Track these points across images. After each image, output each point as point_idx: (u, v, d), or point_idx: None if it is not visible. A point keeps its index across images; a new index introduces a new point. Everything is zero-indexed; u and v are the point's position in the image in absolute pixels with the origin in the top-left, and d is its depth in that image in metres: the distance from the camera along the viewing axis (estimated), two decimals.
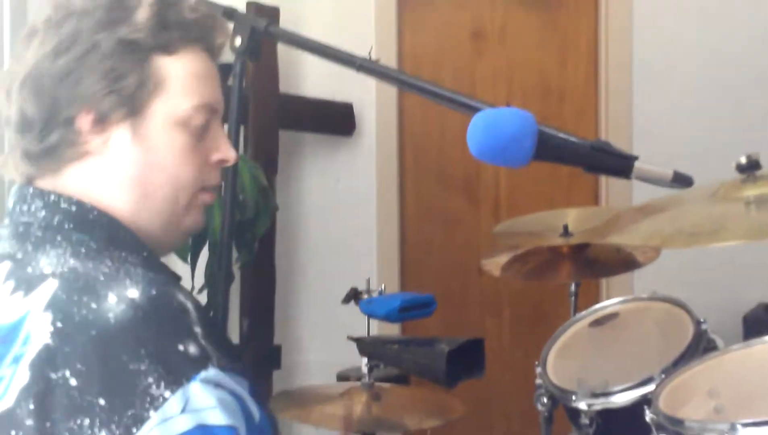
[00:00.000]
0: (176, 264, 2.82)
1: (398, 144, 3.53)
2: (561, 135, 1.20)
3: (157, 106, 1.00)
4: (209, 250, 2.82)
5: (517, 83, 3.56)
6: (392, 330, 3.24)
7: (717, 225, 1.50)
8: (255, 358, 3.21)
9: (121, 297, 0.90)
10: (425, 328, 3.04)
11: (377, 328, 2.84)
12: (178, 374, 0.86)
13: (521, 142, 1.14)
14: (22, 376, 0.88)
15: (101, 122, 0.99)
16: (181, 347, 0.88)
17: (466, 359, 1.74)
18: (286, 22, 3.19)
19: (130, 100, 0.99)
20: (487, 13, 3.56)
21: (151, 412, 0.84)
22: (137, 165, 1.00)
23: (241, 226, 2.95)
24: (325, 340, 3.43)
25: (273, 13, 3.14)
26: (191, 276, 2.79)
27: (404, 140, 3.55)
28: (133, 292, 0.90)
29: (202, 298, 2.78)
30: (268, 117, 3.16)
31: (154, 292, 0.91)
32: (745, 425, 1.24)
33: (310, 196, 3.50)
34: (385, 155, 3.51)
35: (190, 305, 0.94)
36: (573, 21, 3.54)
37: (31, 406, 0.86)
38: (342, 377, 2.78)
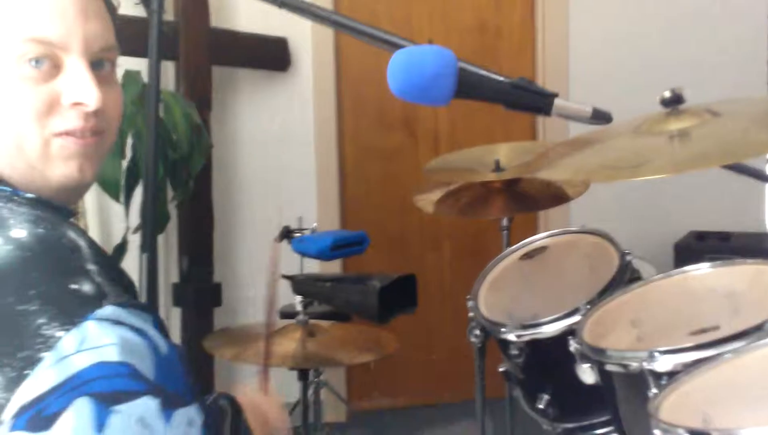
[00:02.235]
0: (111, 204, 2.79)
1: (335, 79, 3.49)
2: (482, 73, 1.19)
3: None
4: (143, 190, 2.77)
5: (453, 21, 3.54)
6: (334, 268, 3.25)
7: (641, 159, 1.53)
8: (195, 296, 3.21)
9: (6, 238, 0.87)
10: (366, 265, 3.06)
11: (319, 267, 2.85)
12: (72, 313, 0.83)
13: (442, 81, 1.13)
14: None
15: None
16: (73, 286, 0.85)
17: (399, 295, 1.76)
18: None
19: None
20: None
21: (44, 353, 0.81)
22: None
23: (176, 165, 2.90)
24: (263, 276, 3.42)
25: None
26: (125, 215, 2.75)
27: (341, 75, 3.51)
28: (19, 232, 0.87)
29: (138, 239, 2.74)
30: (199, 53, 3.09)
31: (41, 230, 0.88)
32: (663, 352, 1.29)
33: (246, 133, 3.45)
34: (322, 91, 3.47)
35: (82, 242, 0.90)
36: None
37: None
38: (284, 314, 2.79)
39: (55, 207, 0.97)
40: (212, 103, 3.20)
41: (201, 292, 3.22)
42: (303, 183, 3.49)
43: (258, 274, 3.48)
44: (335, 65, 3.49)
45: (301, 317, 1.90)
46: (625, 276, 1.66)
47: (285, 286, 1.97)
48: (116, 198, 2.68)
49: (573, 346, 1.46)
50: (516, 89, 1.20)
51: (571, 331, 1.57)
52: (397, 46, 1.39)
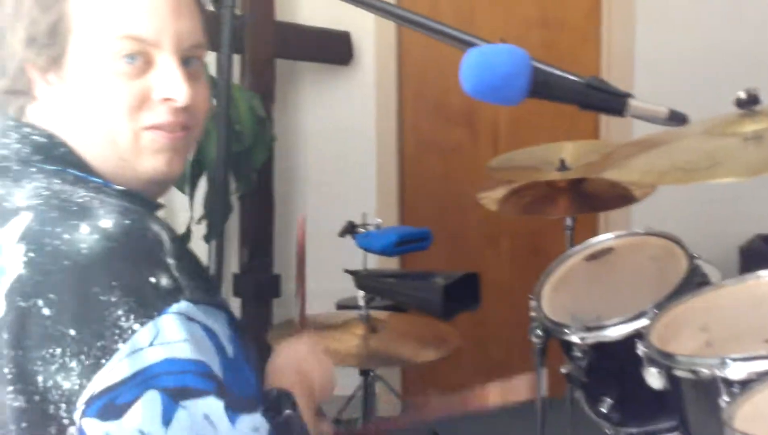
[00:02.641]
0: (175, 194, 2.83)
1: (397, 74, 3.49)
2: (556, 72, 1.18)
3: (75, 46, 0.96)
4: (207, 181, 2.82)
5: (516, 13, 3.50)
6: (391, 263, 3.26)
7: (713, 161, 1.50)
8: (255, 287, 3.24)
9: (94, 227, 0.88)
10: (423, 259, 3.06)
11: (376, 260, 2.86)
12: (148, 307, 0.85)
13: (515, 81, 1.12)
14: None
15: (39, 69, 0.98)
16: (152, 279, 0.87)
17: (462, 292, 1.76)
18: None
19: (50, 46, 0.96)
20: None
21: (120, 344, 0.83)
22: (65, 110, 0.98)
23: (239, 157, 2.94)
24: (323, 269, 3.44)
25: None
26: (189, 206, 2.79)
27: (403, 70, 3.51)
28: (107, 223, 0.89)
29: (202, 229, 2.79)
30: (264, 46, 3.12)
31: (128, 222, 0.90)
32: (735, 360, 1.26)
33: (308, 126, 3.48)
34: (383, 85, 3.47)
35: (164, 236, 0.92)
36: None
37: (6, 336, 0.86)
38: (341, 307, 2.81)
39: (143, 199, 1.00)
40: (275, 96, 3.23)
41: (261, 283, 3.26)
42: (363, 176, 3.50)
43: (317, 267, 3.50)
44: (397, 59, 3.49)
45: (363, 312, 1.91)
46: (694, 280, 1.63)
47: (348, 280, 1.99)
48: (181, 189, 2.73)
49: (640, 349, 1.44)
50: (590, 89, 1.18)
51: (637, 335, 1.55)
52: (464, 42, 1.38)
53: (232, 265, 3.33)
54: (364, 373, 2.09)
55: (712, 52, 3.38)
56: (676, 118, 1.23)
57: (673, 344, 1.46)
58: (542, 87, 1.15)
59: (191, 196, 2.80)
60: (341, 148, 3.49)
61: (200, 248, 1.92)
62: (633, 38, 3.41)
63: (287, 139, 3.42)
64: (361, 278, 1.87)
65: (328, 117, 3.47)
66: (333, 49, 3.39)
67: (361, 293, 1.92)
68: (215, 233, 2.86)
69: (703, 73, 3.33)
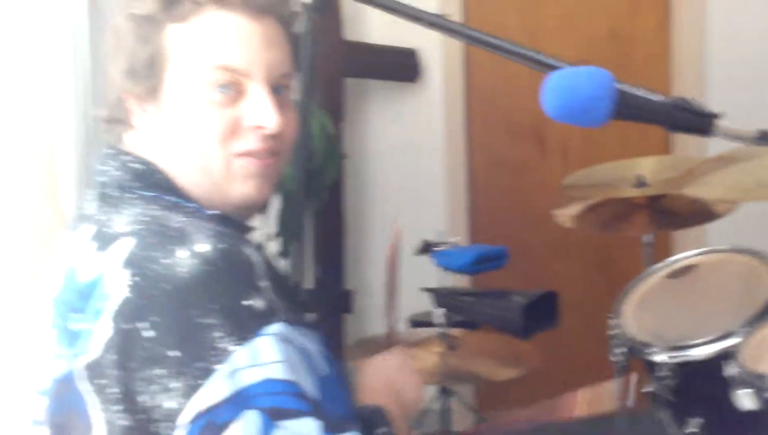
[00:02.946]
0: None
1: (464, 90, 3.49)
2: (640, 93, 1.17)
3: (171, 77, 1.01)
4: (282, 199, 2.86)
5: (584, 28, 3.47)
6: (462, 280, 3.24)
7: None
8: (328, 303, 3.27)
9: (192, 251, 0.92)
10: (494, 275, 3.04)
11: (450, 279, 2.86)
12: (245, 329, 0.88)
13: (599, 103, 1.12)
14: (105, 329, 0.92)
15: (136, 99, 1.03)
16: (248, 302, 0.90)
17: (541, 311, 1.75)
18: None
19: (148, 77, 1.01)
20: None
21: (219, 365, 0.86)
22: (161, 138, 1.03)
23: (310, 175, 2.98)
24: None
25: None
26: (263, 223, 2.84)
27: (471, 86, 3.51)
28: (204, 247, 0.92)
29: (275, 246, 2.83)
30: (333, 65, 3.16)
31: (223, 246, 0.93)
32: None
33: (377, 143, 3.50)
34: (451, 101, 3.48)
35: (258, 259, 0.95)
36: None
37: (114, 357, 0.90)
38: (415, 321, 2.81)
39: (236, 223, 1.03)
40: (345, 114, 3.26)
41: (333, 298, 3.29)
42: (432, 192, 3.51)
43: None
44: (464, 75, 3.49)
45: (442, 330, 1.91)
46: None
47: (419, 291, 1.99)
48: None
49: (730, 370, 1.41)
50: (676, 109, 1.17)
51: (725, 355, 1.52)
52: (533, 61, 1.39)
53: (305, 281, 3.37)
54: (442, 389, 2.09)
55: None
56: (766, 137, 1.21)
57: (763, 365, 1.43)
58: (627, 109, 1.15)
59: (265, 214, 2.84)
60: (410, 164, 3.50)
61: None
62: (703, 52, 3.35)
63: (357, 155, 3.45)
64: (439, 296, 1.87)
65: (397, 134, 3.49)
66: (401, 66, 3.41)
67: (439, 311, 1.93)
68: (289, 250, 2.92)
69: None
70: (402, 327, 2.45)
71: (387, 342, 1.40)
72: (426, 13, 1.50)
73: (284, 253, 2.90)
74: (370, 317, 3.46)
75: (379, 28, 3.35)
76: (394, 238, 1.40)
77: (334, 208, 3.26)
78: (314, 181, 3.02)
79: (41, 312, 1.09)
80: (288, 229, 2.89)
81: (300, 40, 1.26)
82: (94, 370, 0.92)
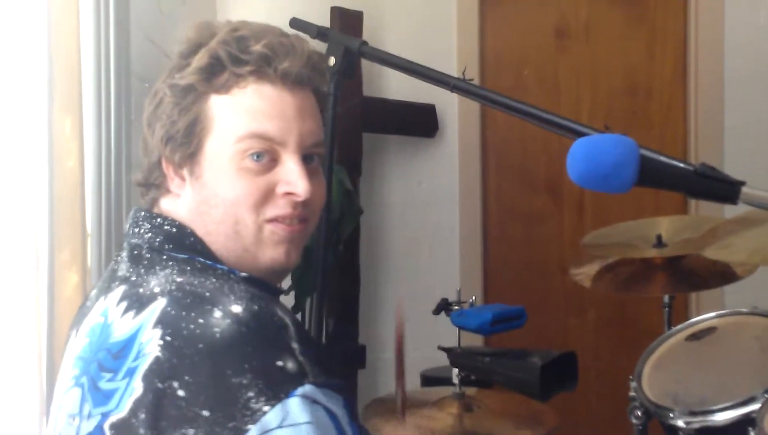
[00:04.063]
0: None
1: (480, 144, 3.51)
2: (664, 160, 1.18)
3: (208, 145, 1.04)
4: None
5: (601, 81, 3.51)
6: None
7: None
8: (341, 358, 3.25)
9: (225, 312, 0.93)
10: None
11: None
12: (276, 389, 0.89)
13: (623, 170, 1.13)
14: (135, 388, 0.92)
15: (174, 165, 1.06)
16: (280, 363, 0.91)
17: (559, 372, 1.74)
18: (369, 26, 3.22)
19: (185, 144, 1.04)
20: (571, 9, 3.51)
21: (251, 425, 0.87)
22: (195, 203, 1.05)
23: (327, 230, 2.99)
24: (408, 339, 3.44)
25: (357, 17, 3.16)
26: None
27: (487, 140, 3.54)
28: (237, 308, 0.94)
29: (289, 300, 2.83)
30: (352, 121, 3.19)
31: (256, 307, 0.95)
32: None
33: (394, 198, 3.51)
34: (467, 156, 3.50)
35: (288, 321, 0.97)
36: (660, 15, 3.47)
37: (143, 416, 0.90)
38: (427, 377, 2.79)
39: (267, 285, 1.05)
40: (362, 169, 3.28)
41: (346, 353, 3.27)
42: (447, 247, 3.51)
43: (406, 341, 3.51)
44: (480, 129, 3.52)
45: (457, 391, 1.90)
46: None
47: (432, 346, 1.97)
48: None
49: None
50: (699, 177, 1.18)
51: (747, 420, 1.51)
52: (547, 122, 1.41)
53: (319, 336, 3.36)
54: None
55: None
56: None
57: None
58: (650, 175, 1.15)
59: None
60: (425, 218, 3.51)
61: None
62: (721, 103, 3.37)
63: (373, 209, 3.46)
64: (455, 356, 1.86)
65: (413, 188, 3.51)
66: (419, 122, 3.43)
67: (455, 371, 1.92)
68: (302, 305, 2.92)
69: None
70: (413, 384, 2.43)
71: (400, 415, 1.40)
72: (447, 76, 1.52)
73: (297, 308, 2.90)
74: (383, 372, 3.44)
75: (397, 84, 3.39)
76: (399, 318, 1.42)
77: (349, 262, 3.26)
78: (330, 235, 3.03)
79: (62, 371, 1.10)
80: (302, 285, 2.89)
81: (326, 100, 1.29)
82: (119, 429, 0.93)
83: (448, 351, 1.90)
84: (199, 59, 1.04)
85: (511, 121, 3.47)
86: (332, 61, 1.62)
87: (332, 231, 3.02)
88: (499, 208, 3.57)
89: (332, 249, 3.06)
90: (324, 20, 3.01)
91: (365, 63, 3.22)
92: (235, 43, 1.04)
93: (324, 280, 3.00)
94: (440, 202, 3.50)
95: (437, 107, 3.43)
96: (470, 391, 2.00)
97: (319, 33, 1.63)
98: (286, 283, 2.84)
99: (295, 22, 1.67)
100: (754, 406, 1.51)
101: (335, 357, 3.24)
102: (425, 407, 1.94)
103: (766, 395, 1.52)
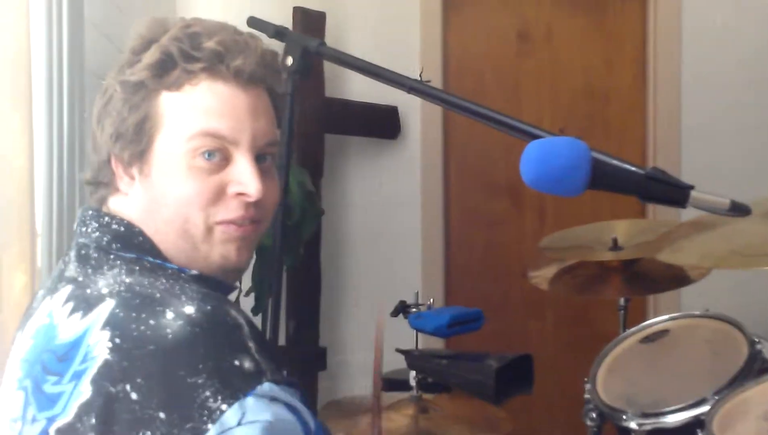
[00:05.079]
0: None
1: (443, 146, 3.52)
2: (616, 163, 1.18)
3: (158, 143, 1.02)
4: (257, 254, 2.84)
5: (562, 84, 3.53)
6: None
7: None
8: (301, 360, 3.24)
9: (178, 314, 0.92)
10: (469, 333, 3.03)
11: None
12: (234, 388, 0.88)
13: (575, 173, 1.13)
14: (83, 392, 0.90)
15: (122, 164, 1.04)
16: (236, 362, 0.90)
17: (515, 375, 1.74)
18: (332, 27, 3.21)
19: (135, 142, 1.02)
20: (533, 13, 3.54)
21: (209, 425, 0.86)
22: (145, 202, 1.03)
23: (287, 231, 2.97)
24: (368, 341, 3.42)
25: (319, 18, 3.15)
26: (238, 280, 2.82)
27: (449, 143, 3.54)
28: (189, 309, 0.93)
29: (249, 301, 2.81)
30: (313, 122, 3.17)
31: (208, 307, 0.94)
32: None
33: (355, 199, 3.51)
34: (429, 158, 3.50)
35: (242, 320, 0.96)
36: (619, 21, 3.51)
37: (93, 421, 0.89)
38: (384, 379, 2.78)
39: (218, 283, 1.03)
40: (324, 171, 3.27)
41: (307, 355, 3.25)
42: (408, 248, 3.51)
43: (362, 340, 3.51)
44: (443, 132, 3.52)
45: (414, 393, 1.89)
46: (755, 365, 1.61)
47: (392, 348, 1.97)
48: None
49: None
50: (650, 181, 1.18)
51: (697, 422, 1.53)
52: (508, 126, 1.41)
53: (279, 337, 3.34)
54: None
55: (762, 118, 3.35)
56: (739, 209, 1.22)
57: (735, 433, 1.43)
58: (602, 179, 1.16)
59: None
60: (387, 220, 3.51)
61: None
62: (679, 105, 3.41)
63: (334, 211, 3.46)
64: (412, 358, 1.86)
65: (375, 190, 3.50)
66: (381, 123, 3.43)
67: (412, 373, 1.91)
68: (262, 306, 2.90)
69: (754, 141, 3.30)
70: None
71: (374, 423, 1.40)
72: (404, 77, 1.52)
73: (257, 309, 2.88)
74: (344, 375, 3.43)
75: (359, 85, 3.39)
76: (378, 331, 1.42)
77: (310, 263, 3.25)
78: (291, 236, 3.01)
79: (6, 374, 1.07)
80: (262, 285, 2.87)
81: (281, 100, 1.28)
82: (66, 434, 0.91)
83: (405, 353, 1.90)
84: (150, 55, 1.02)
85: (474, 124, 3.44)
86: (290, 60, 1.60)
87: (293, 232, 3.00)
88: (461, 211, 3.58)
89: (293, 250, 3.05)
90: (286, 20, 2.99)
91: (327, 64, 3.21)
92: (187, 40, 1.02)
93: (281, 281, 3.00)
94: (402, 204, 3.50)
95: (400, 109, 3.44)
96: (427, 394, 2.01)
97: (277, 32, 1.61)
98: (246, 284, 2.83)
99: (252, 21, 1.65)
100: (704, 408, 1.53)
101: (291, 356, 3.23)
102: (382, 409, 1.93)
103: (715, 397, 1.53)
